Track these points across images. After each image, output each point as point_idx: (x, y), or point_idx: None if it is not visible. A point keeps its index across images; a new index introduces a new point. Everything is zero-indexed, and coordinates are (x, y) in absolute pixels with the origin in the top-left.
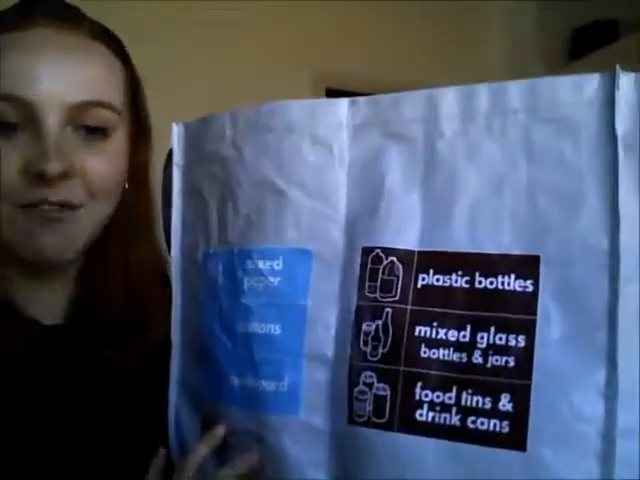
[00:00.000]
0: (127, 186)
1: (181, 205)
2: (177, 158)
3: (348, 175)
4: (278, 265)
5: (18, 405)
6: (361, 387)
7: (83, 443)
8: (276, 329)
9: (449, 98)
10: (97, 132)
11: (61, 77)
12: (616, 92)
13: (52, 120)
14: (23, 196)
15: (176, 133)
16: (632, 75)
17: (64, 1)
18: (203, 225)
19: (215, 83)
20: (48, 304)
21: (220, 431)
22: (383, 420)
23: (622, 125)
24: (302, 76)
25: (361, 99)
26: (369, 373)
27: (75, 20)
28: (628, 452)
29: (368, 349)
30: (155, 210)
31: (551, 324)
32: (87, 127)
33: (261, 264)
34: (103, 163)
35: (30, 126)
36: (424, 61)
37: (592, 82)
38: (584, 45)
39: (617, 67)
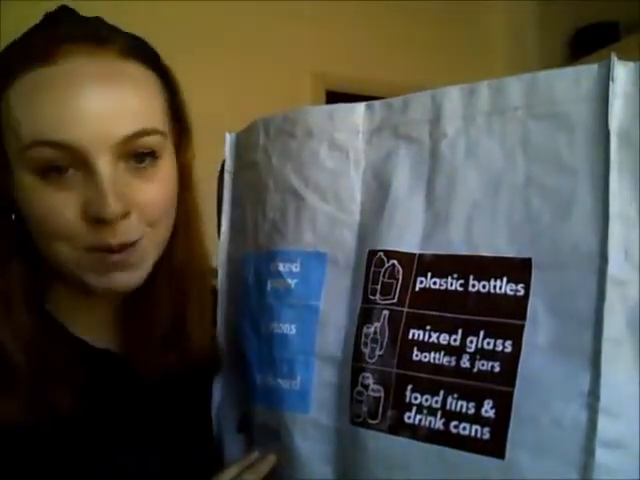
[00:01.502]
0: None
1: (230, 212)
2: (228, 166)
3: (363, 180)
4: (296, 267)
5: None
6: (359, 388)
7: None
8: (292, 329)
9: (452, 97)
10: (146, 157)
11: (103, 114)
12: (610, 84)
13: (103, 161)
14: (86, 239)
15: (228, 142)
16: (631, 65)
17: (87, 18)
18: (243, 230)
19: (215, 84)
20: (97, 327)
21: (254, 456)
22: (376, 421)
23: (616, 119)
24: (302, 77)
25: (377, 103)
26: (367, 374)
27: (103, 39)
28: (608, 463)
29: (367, 351)
30: (200, 208)
31: (538, 329)
32: (136, 155)
33: (281, 266)
34: (158, 189)
35: (82, 167)
36: (424, 62)
37: (590, 74)
38: (585, 46)
39: (613, 56)
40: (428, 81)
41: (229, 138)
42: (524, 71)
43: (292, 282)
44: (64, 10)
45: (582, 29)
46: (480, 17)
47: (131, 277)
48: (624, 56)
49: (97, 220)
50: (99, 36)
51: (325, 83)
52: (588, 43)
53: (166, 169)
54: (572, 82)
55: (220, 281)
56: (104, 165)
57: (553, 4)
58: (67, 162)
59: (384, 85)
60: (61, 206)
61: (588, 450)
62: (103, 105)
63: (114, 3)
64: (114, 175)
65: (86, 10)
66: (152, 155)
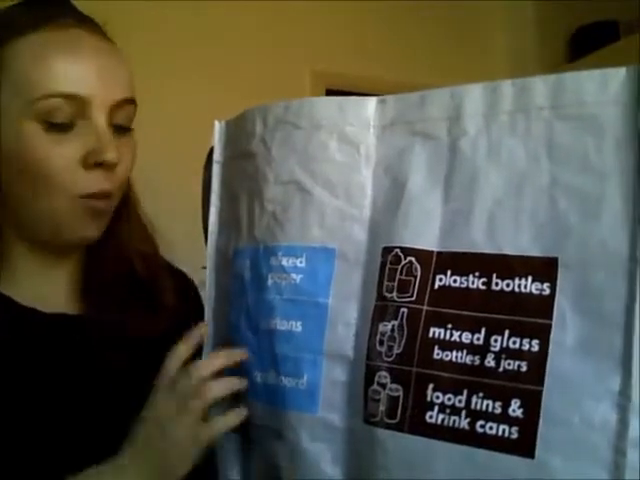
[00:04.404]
0: None
1: (219, 203)
2: (217, 155)
3: (374, 175)
4: (301, 262)
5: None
6: (375, 387)
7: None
8: (297, 326)
9: (474, 95)
10: (123, 129)
11: (105, 76)
12: None
13: (102, 117)
14: (82, 185)
15: (217, 130)
16: None
17: (72, 3)
18: (235, 222)
19: (215, 83)
20: (47, 294)
21: (202, 330)
22: (395, 421)
23: None
24: (302, 76)
25: (390, 98)
26: (383, 373)
27: (92, 22)
28: (639, 463)
29: (383, 349)
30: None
31: (566, 329)
32: (117, 126)
33: (284, 261)
34: (129, 157)
35: (82, 124)
36: (424, 61)
37: (618, 77)
38: (584, 46)
39: None
40: (427, 80)
41: (218, 126)
42: (524, 71)
43: (297, 277)
44: None
45: (582, 29)
46: (480, 17)
47: (100, 227)
48: (624, 56)
49: (99, 164)
50: (87, 19)
51: (325, 81)
52: (588, 43)
53: (134, 144)
54: (600, 84)
55: (208, 274)
56: (103, 121)
57: (553, 4)
58: (73, 114)
59: (384, 84)
60: (60, 156)
61: (619, 450)
62: (105, 69)
63: (116, 3)
64: (109, 132)
65: (87, 9)
66: (127, 129)
